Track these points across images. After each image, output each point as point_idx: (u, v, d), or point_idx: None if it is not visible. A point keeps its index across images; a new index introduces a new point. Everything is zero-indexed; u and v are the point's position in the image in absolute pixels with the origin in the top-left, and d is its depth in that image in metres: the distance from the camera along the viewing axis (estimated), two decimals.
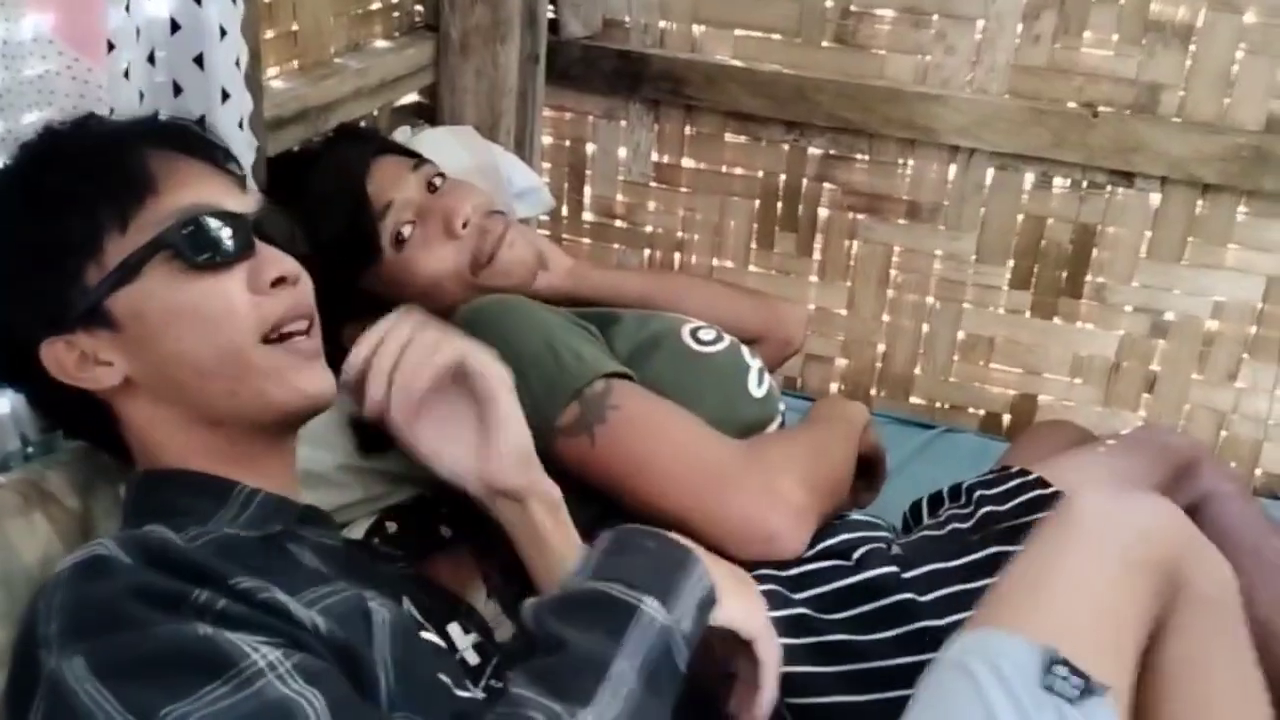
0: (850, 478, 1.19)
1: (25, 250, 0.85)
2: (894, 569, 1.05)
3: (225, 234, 0.86)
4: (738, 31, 1.92)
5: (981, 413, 2.00)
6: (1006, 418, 1.99)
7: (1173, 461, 1.31)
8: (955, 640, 0.86)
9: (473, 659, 0.91)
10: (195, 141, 0.92)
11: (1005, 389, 1.98)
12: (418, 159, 1.30)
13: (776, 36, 1.90)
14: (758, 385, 1.24)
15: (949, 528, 1.16)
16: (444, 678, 0.81)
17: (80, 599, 0.70)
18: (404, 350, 0.90)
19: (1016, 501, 1.16)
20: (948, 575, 1.04)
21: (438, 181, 1.27)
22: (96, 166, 0.86)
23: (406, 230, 1.23)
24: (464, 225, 1.23)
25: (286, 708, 0.65)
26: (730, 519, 1.01)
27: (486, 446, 0.91)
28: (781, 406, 1.28)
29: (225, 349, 0.85)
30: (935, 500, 1.29)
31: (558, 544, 0.92)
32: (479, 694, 0.85)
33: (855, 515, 1.18)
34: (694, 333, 1.24)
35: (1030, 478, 1.20)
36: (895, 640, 1.00)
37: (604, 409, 1.06)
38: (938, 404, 2.02)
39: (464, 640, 0.92)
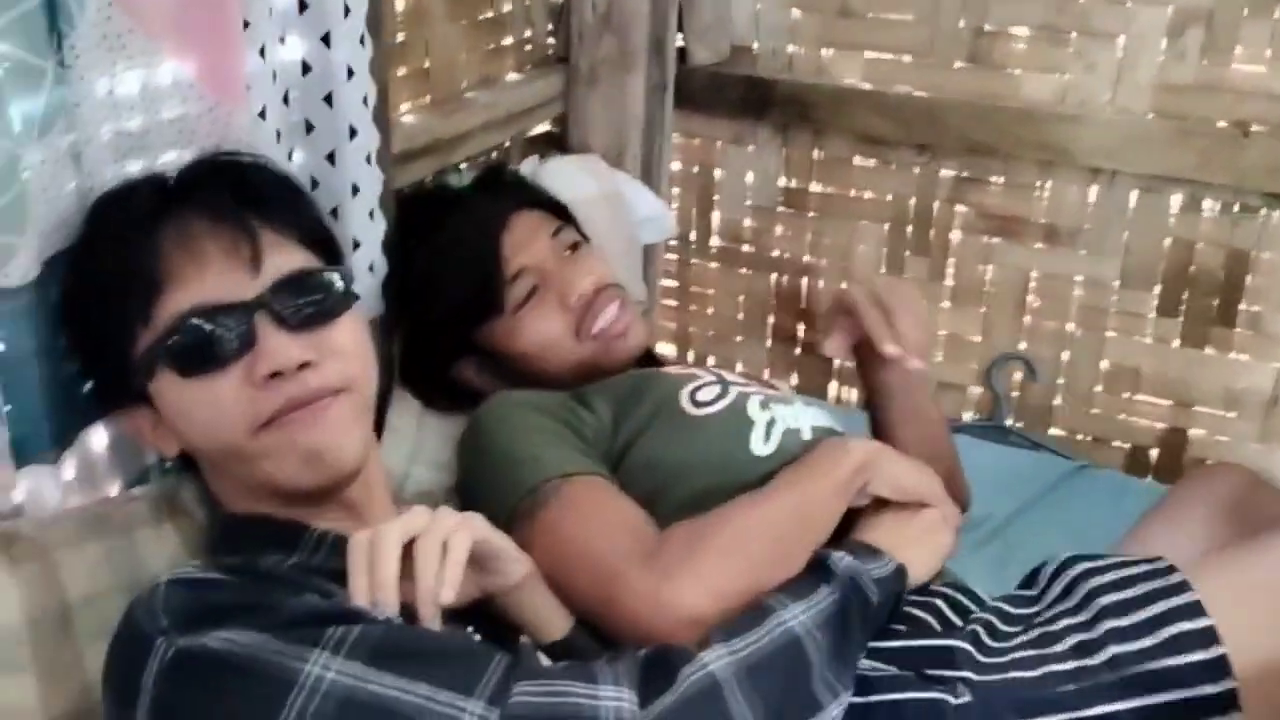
0: (812, 540, 1.04)
1: (86, 326, 0.93)
2: None
3: (218, 336, 0.87)
4: (867, 54, 1.90)
5: (1127, 446, 1.91)
6: (1154, 452, 1.89)
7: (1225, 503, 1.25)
8: None
9: None
10: (223, 205, 0.91)
11: (1153, 422, 1.89)
12: (559, 224, 1.34)
13: (907, 58, 1.87)
14: (764, 442, 1.16)
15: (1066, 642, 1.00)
16: None
17: (207, 604, 0.78)
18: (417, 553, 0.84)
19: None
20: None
21: (572, 249, 1.32)
22: (118, 262, 0.89)
23: (527, 295, 1.27)
24: (579, 299, 1.27)
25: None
26: (618, 620, 0.98)
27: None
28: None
29: (223, 444, 0.90)
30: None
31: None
32: None
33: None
34: (693, 394, 1.20)
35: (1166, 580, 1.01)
36: None
37: (540, 509, 1.05)
38: (1079, 436, 1.94)
39: None
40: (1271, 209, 1.70)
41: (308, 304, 0.91)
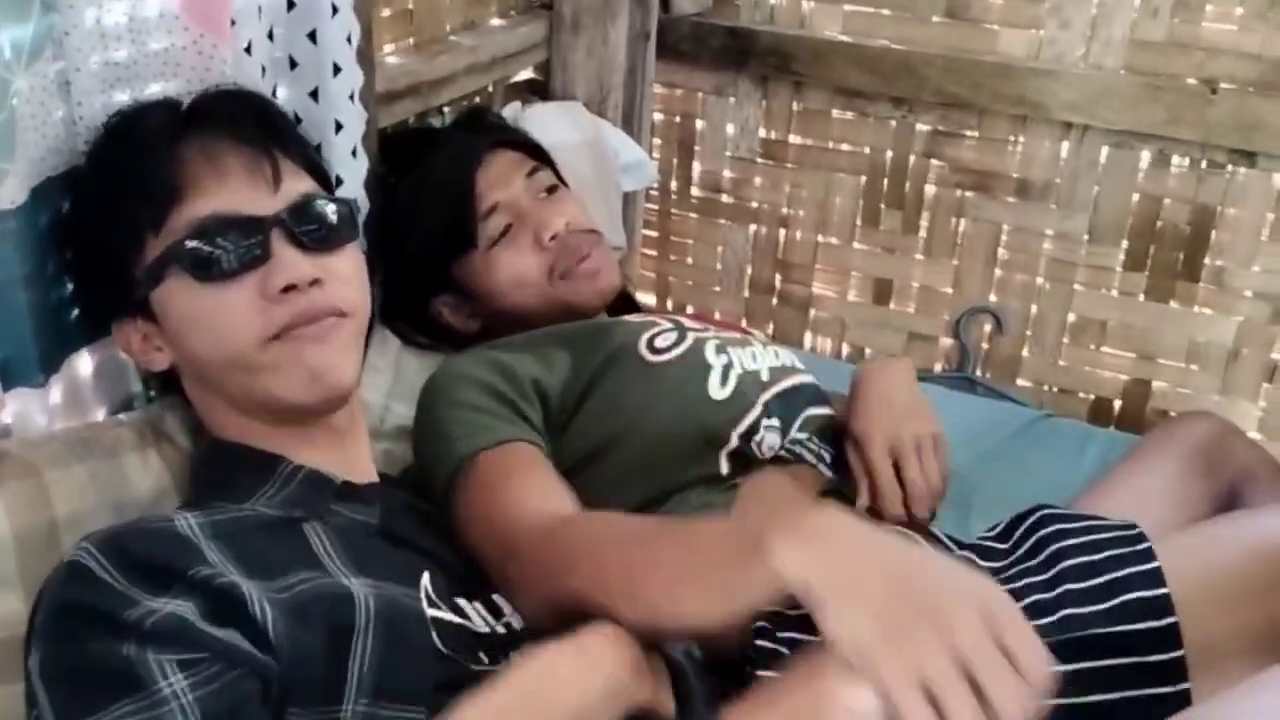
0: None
1: (89, 240, 0.95)
2: None
3: (235, 244, 0.90)
4: (847, 6, 1.91)
5: (1092, 398, 1.96)
6: (1118, 404, 1.94)
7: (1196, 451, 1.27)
8: None
9: (498, 631, 0.93)
10: (245, 128, 0.94)
11: (1117, 374, 1.93)
12: (535, 164, 1.36)
13: (886, 11, 1.89)
14: (720, 386, 1.18)
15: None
16: (451, 651, 0.86)
17: (52, 605, 0.77)
18: None
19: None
20: None
21: (549, 191, 1.34)
22: (136, 169, 0.92)
23: (501, 232, 1.29)
24: (551, 238, 1.29)
25: None
26: (511, 584, 0.96)
27: None
28: (781, 385, 1.22)
29: (230, 354, 0.91)
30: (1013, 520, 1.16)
31: None
32: (502, 664, 0.89)
33: None
34: (650, 341, 1.21)
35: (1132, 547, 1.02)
36: None
37: (458, 491, 1.06)
38: (1045, 387, 1.98)
39: (486, 617, 0.94)
40: (1237, 165, 1.74)
41: (320, 228, 0.94)
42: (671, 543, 0.86)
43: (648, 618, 0.82)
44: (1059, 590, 0.99)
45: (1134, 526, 1.05)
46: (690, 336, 1.23)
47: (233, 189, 0.91)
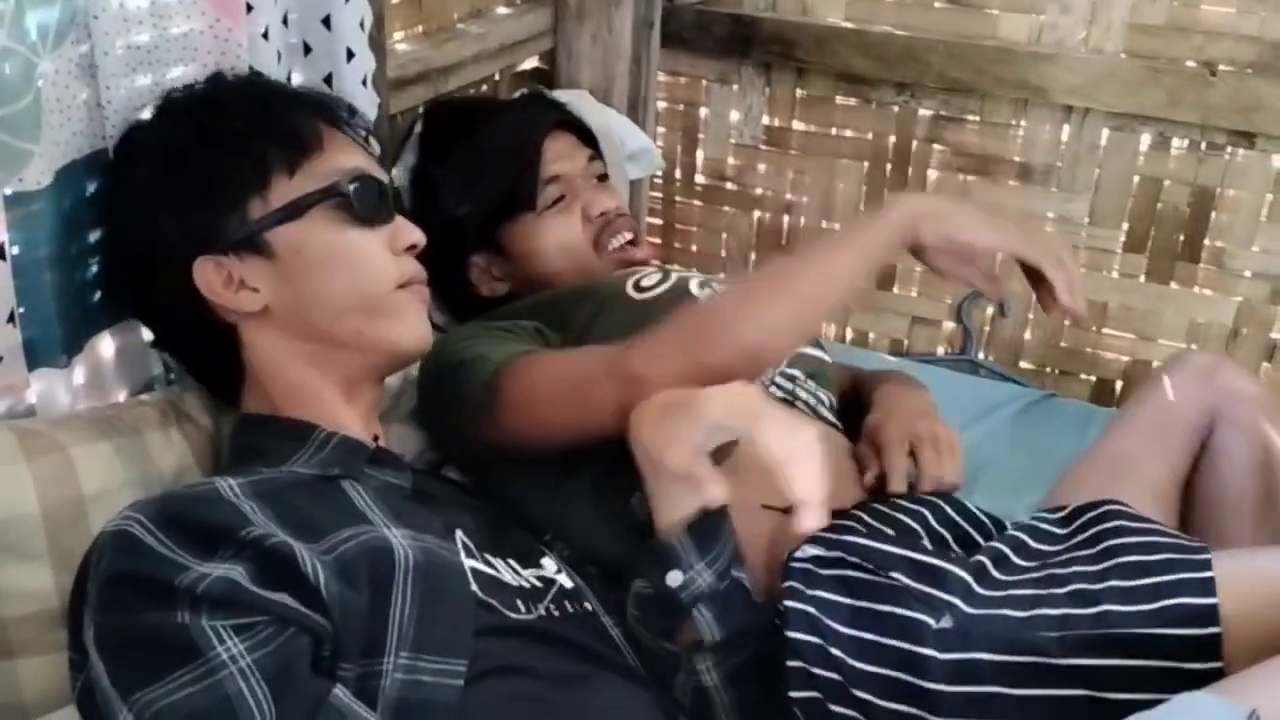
0: (828, 299, 1.07)
1: (195, 176, 0.96)
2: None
3: (378, 196, 1.00)
4: None
5: (1093, 379, 1.98)
6: (1119, 385, 1.96)
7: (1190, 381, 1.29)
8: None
9: (530, 584, 0.96)
10: (346, 119, 1.05)
11: (1119, 355, 1.95)
12: (593, 152, 1.44)
13: None
14: None
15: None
16: (490, 599, 0.88)
17: (103, 575, 0.77)
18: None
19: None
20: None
21: (600, 179, 1.42)
22: (271, 116, 0.99)
23: (555, 199, 1.36)
24: (600, 215, 1.37)
25: (234, 705, 0.72)
26: (605, 418, 0.99)
27: None
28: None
29: (367, 292, 0.98)
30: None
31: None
32: (539, 613, 0.92)
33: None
34: (636, 283, 1.27)
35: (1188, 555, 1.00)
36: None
37: (497, 383, 1.07)
38: (1048, 369, 2.01)
39: (517, 569, 0.97)
40: (1237, 147, 1.76)
41: (402, 205, 1.06)
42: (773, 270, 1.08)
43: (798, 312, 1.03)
44: (1105, 584, 0.98)
45: (1199, 542, 1.03)
46: (674, 276, 1.29)
47: (358, 154, 1.02)
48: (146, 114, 1.00)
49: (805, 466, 0.82)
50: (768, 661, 0.98)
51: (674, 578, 0.90)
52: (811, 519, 0.82)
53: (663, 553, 0.91)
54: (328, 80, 1.22)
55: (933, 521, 1.13)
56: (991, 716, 0.94)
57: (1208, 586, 0.94)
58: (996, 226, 1.09)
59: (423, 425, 1.23)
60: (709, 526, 0.91)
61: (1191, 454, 1.30)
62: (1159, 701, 0.86)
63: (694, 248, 2.21)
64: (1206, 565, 0.96)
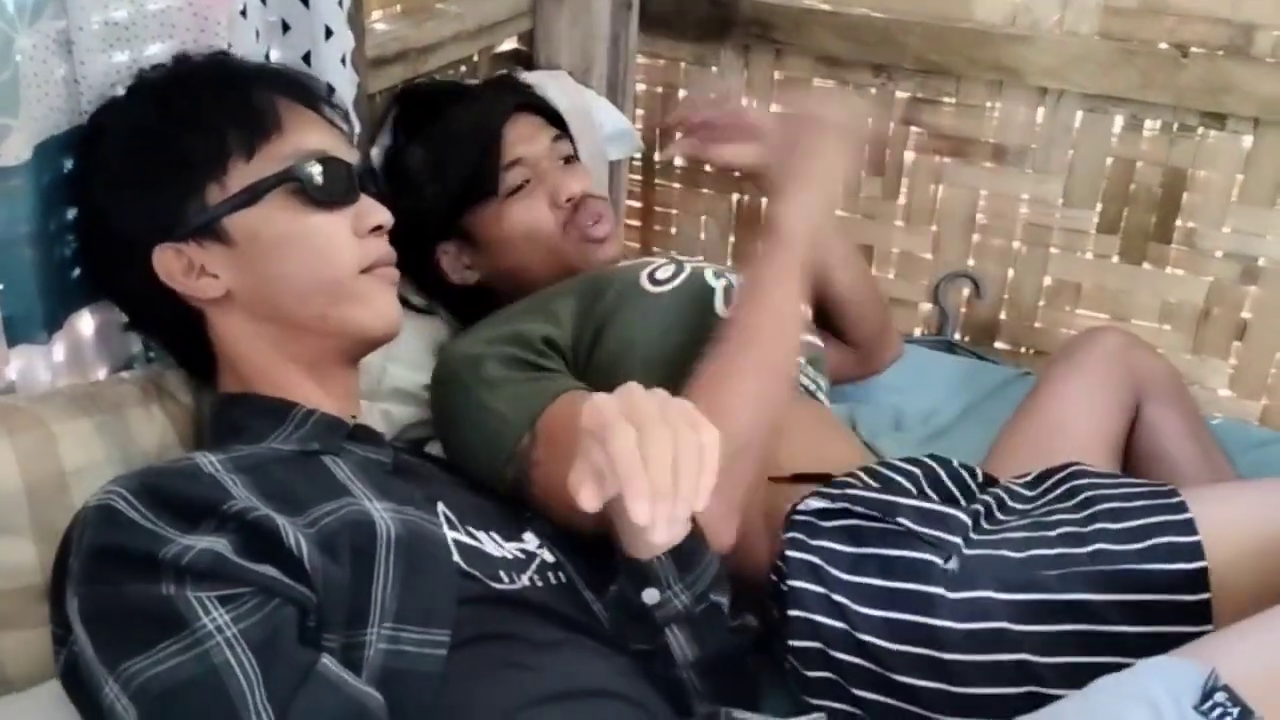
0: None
1: (152, 161, 0.96)
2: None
3: (341, 178, 0.98)
4: None
5: None
6: None
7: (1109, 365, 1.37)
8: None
9: (513, 555, 0.97)
10: (315, 96, 1.04)
11: None
12: (558, 132, 1.42)
13: None
14: (725, 305, 1.24)
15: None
16: (472, 569, 0.89)
17: (87, 548, 0.78)
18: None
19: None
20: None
21: (567, 160, 1.39)
22: (230, 98, 0.97)
23: (519, 185, 1.34)
24: (567, 200, 1.34)
25: (222, 675, 0.72)
26: None
27: None
28: None
29: (328, 277, 0.97)
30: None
31: None
32: (522, 583, 0.93)
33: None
34: (651, 275, 1.27)
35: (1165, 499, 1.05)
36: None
37: (528, 463, 1.07)
38: (1023, 349, 2.03)
39: (500, 542, 0.97)
40: (1208, 128, 1.78)
41: (370, 186, 1.04)
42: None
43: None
44: (1093, 527, 1.02)
45: (1169, 485, 1.08)
46: (688, 266, 1.29)
47: (324, 134, 1.00)
48: (120, 91, 1.00)
49: (655, 466, 0.74)
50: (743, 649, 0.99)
51: (650, 595, 0.89)
52: (642, 513, 0.73)
53: (640, 568, 0.89)
54: (306, 59, 1.22)
55: (923, 482, 1.16)
56: (999, 651, 0.97)
57: (1189, 526, 0.99)
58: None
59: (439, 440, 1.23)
60: (691, 550, 0.89)
61: (1123, 426, 1.39)
62: (1157, 635, 0.94)
63: (673, 230, 2.22)
64: (1183, 507, 1.01)
